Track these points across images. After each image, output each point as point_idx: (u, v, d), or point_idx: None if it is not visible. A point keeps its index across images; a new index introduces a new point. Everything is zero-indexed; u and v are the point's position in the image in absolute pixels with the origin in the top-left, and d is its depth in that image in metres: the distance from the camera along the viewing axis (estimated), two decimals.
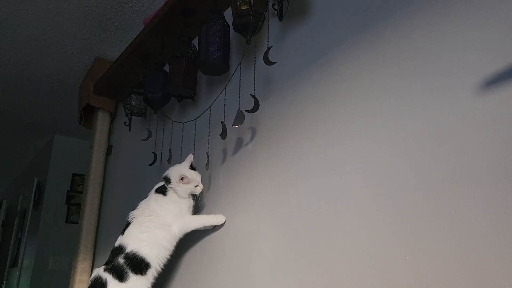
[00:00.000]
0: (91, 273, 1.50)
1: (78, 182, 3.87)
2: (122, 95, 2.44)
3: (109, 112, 2.59)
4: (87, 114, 2.64)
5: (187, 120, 1.76)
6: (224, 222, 1.43)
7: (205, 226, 1.44)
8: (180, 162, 1.70)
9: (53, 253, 3.61)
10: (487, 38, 0.82)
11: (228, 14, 1.39)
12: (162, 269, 1.40)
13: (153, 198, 1.46)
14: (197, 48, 1.50)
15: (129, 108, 2.06)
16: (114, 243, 1.42)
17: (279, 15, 1.26)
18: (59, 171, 3.84)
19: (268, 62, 1.20)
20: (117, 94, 2.48)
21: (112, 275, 1.32)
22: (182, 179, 1.41)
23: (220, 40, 1.39)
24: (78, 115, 2.68)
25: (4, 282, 4.50)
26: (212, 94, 1.67)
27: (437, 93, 0.89)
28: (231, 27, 1.31)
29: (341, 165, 1.07)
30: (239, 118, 1.30)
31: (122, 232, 1.42)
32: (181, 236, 1.42)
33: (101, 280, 1.32)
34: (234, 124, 1.30)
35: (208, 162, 1.52)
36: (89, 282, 1.36)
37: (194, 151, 1.66)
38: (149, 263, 1.35)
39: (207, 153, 1.54)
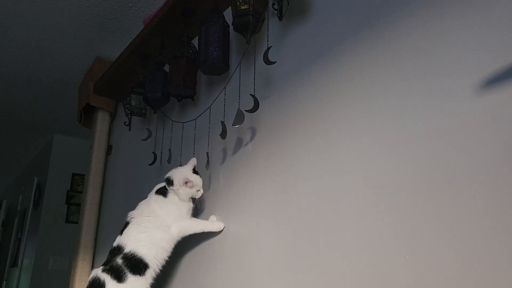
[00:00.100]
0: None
1: (78, 182, 3.87)
2: (122, 95, 2.44)
3: (109, 112, 2.59)
4: (87, 114, 2.63)
5: (187, 120, 1.76)
6: (223, 229, 1.43)
7: (204, 232, 1.44)
8: (180, 162, 1.70)
9: (53, 253, 3.61)
10: (487, 38, 0.82)
11: (228, 14, 1.39)
12: (160, 270, 1.39)
13: (153, 199, 1.45)
14: (197, 48, 1.50)
15: (129, 108, 2.06)
16: (113, 243, 1.42)
17: (279, 15, 1.25)
18: (59, 171, 3.84)
19: (268, 62, 1.20)
20: (117, 94, 2.48)
21: (111, 276, 1.31)
22: (186, 183, 1.41)
23: (220, 40, 1.39)
24: (78, 115, 2.68)
25: (4, 282, 4.50)
26: (212, 94, 1.67)
27: (437, 93, 0.89)
28: (231, 27, 1.31)
29: (341, 165, 1.07)
30: (239, 118, 1.30)
31: (121, 232, 1.41)
32: (179, 238, 1.42)
33: (100, 281, 1.31)
34: (234, 124, 1.30)
35: (208, 162, 1.51)
36: (88, 283, 1.34)
37: (194, 151, 1.66)
38: (147, 264, 1.34)
39: (207, 153, 1.54)
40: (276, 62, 1.27)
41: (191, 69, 1.59)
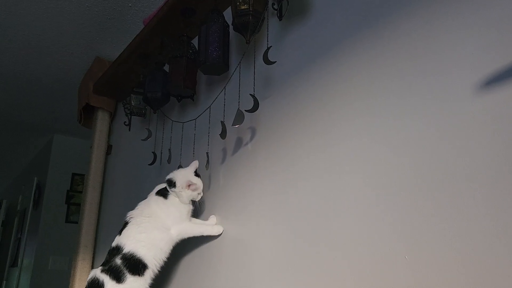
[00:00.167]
0: None
1: (78, 181, 3.87)
2: (121, 95, 2.44)
3: (109, 111, 2.59)
4: (87, 113, 2.63)
5: (186, 120, 1.76)
6: (222, 232, 1.43)
7: (203, 235, 1.44)
8: (180, 162, 1.70)
9: (53, 253, 3.61)
10: (487, 38, 0.82)
11: (228, 14, 1.39)
12: (158, 271, 1.39)
13: (154, 200, 1.45)
14: (197, 48, 1.50)
15: (129, 107, 2.06)
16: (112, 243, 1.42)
17: (278, 15, 1.25)
18: (59, 170, 3.84)
19: (267, 61, 1.20)
20: (116, 93, 2.48)
21: (109, 276, 1.30)
22: (189, 185, 1.41)
23: (219, 39, 1.39)
24: (77, 115, 2.68)
25: (4, 282, 4.50)
26: (212, 94, 1.67)
27: (436, 93, 0.89)
28: (231, 27, 1.31)
29: (341, 165, 1.07)
30: (239, 118, 1.30)
31: (120, 232, 1.41)
32: (177, 240, 1.42)
33: (98, 282, 1.30)
34: (233, 124, 1.30)
35: (208, 161, 1.51)
36: (86, 283, 1.34)
37: (194, 151, 1.66)
38: (146, 264, 1.33)
39: (207, 153, 1.54)
40: (276, 62, 1.27)
41: (191, 69, 1.59)
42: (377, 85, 1.03)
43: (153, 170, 1.98)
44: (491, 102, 0.79)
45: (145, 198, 1.51)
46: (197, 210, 1.54)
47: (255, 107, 1.26)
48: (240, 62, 1.46)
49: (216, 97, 1.57)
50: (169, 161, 1.75)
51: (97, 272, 1.33)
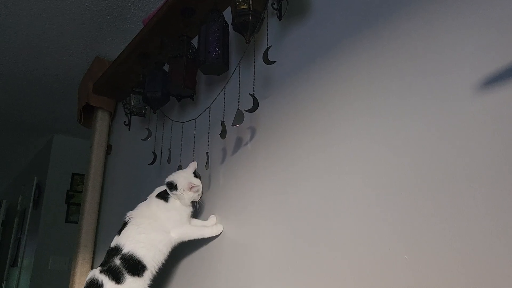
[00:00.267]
0: None
1: (77, 181, 3.87)
2: (121, 95, 2.44)
3: (109, 111, 2.59)
4: (87, 113, 2.63)
5: (186, 120, 1.76)
6: (222, 231, 1.43)
7: (204, 237, 1.44)
8: (180, 162, 1.70)
9: (53, 253, 3.61)
10: (487, 37, 0.82)
11: (228, 14, 1.39)
12: (156, 272, 1.39)
13: (154, 202, 1.44)
14: (197, 48, 1.50)
15: (129, 107, 2.06)
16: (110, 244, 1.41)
17: (278, 15, 1.25)
18: (58, 170, 3.84)
19: (267, 61, 1.20)
20: (116, 93, 2.48)
21: (108, 277, 1.30)
22: (192, 187, 1.40)
23: (219, 39, 1.39)
24: (77, 115, 2.68)
25: (4, 281, 4.50)
26: (212, 94, 1.67)
27: (436, 93, 0.89)
28: (231, 27, 1.30)
29: (341, 165, 1.07)
30: (239, 118, 1.29)
31: (119, 233, 1.40)
32: (176, 244, 1.42)
33: (97, 282, 1.30)
34: (233, 124, 1.30)
35: (207, 161, 1.51)
36: (85, 284, 1.33)
37: (193, 151, 1.66)
38: (145, 265, 1.33)
39: (207, 153, 1.54)
40: (275, 61, 1.27)
41: (191, 68, 1.58)
42: (377, 85, 1.02)
43: (153, 170, 1.98)
44: (491, 102, 0.79)
45: (145, 198, 1.51)
46: (197, 210, 1.53)
47: (255, 107, 1.26)
48: (239, 62, 1.45)
49: (216, 97, 1.57)
50: (169, 161, 1.74)
51: (96, 273, 1.32)
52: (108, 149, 2.58)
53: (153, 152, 1.84)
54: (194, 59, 1.58)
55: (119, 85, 2.31)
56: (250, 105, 1.27)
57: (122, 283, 1.30)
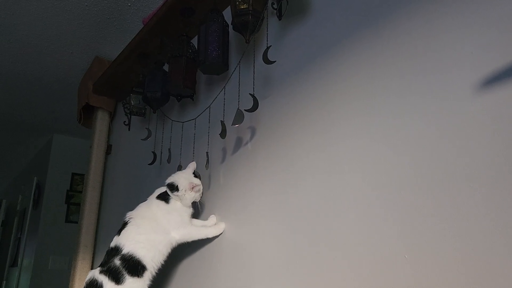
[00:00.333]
0: None
1: (77, 181, 3.87)
2: (121, 95, 2.44)
3: (109, 111, 2.59)
4: (87, 113, 2.63)
5: (186, 120, 1.76)
6: (224, 229, 1.43)
7: (208, 237, 1.44)
8: (180, 162, 1.70)
9: (53, 253, 3.61)
10: (487, 37, 0.82)
11: (227, 13, 1.39)
12: (156, 273, 1.39)
13: (155, 204, 1.43)
14: (196, 48, 1.50)
15: (129, 107, 2.06)
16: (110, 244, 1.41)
17: (278, 14, 1.25)
18: (58, 170, 3.84)
19: (267, 61, 1.20)
20: (116, 93, 2.48)
21: (108, 277, 1.29)
22: (193, 187, 1.40)
23: (219, 39, 1.39)
24: (77, 115, 2.68)
25: (4, 281, 4.50)
26: (212, 94, 1.67)
27: (436, 92, 0.89)
28: (230, 26, 1.30)
29: (341, 164, 1.07)
30: (239, 117, 1.29)
31: (118, 233, 1.40)
32: (176, 244, 1.41)
33: (97, 283, 1.29)
34: (233, 124, 1.30)
35: (207, 161, 1.51)
36: (84, 284, 1.33)
37: (193, 151, 1.66)
38: (145, 266, 1.33)
39: (207, 153, 1.54)
40: (275, 61, 1.26)
41: (191, 68, 1.58)
42: (377, 85, 1.02)
43: (153, 169, 1.98)
44: (491, 101, 0.79)
45: (145, 198, 1.51)
46: (198, 210, 1.53)
47: (255, 106, 1.26)
48: (239, 61, 1.45)
49: (216, 97, 1.57)
50: (169, 160, 1.74)
51: (96, 273, 1.32)
52: (108, 149, 2.58)
53: (153, 152, 1.84)
54: (194, 59, 1.58)
55: (119, 85, 2.31)
56: (250, 105, 1.27)
57: (122, 283, 1.29)
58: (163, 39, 1.80)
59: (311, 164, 1.16)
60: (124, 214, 1.46)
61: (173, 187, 1.41)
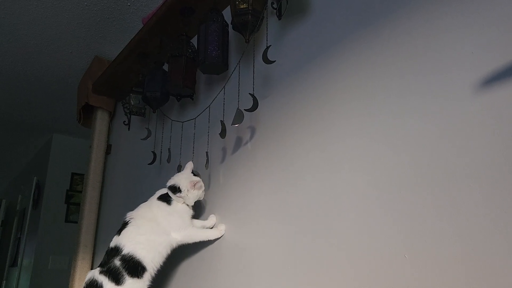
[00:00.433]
0: None
1: (77, 181, 3.87)
2: (121, 94, 2.44)
3: (108, 111, 2.59)
4: (86, 113, 2.63)
5: (186, 119, 1.76)
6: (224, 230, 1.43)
7: (210, 239, 1.44)
8: (180, 162, 1.70)
9: (53, 253, 3.61)
10: (487, 37, 0.82)
11: (227, 13, 1.39)
12: (155, 274, 1.39)
13: (156, 205, 1.43)
14: (196, 47, 1.50)
15: (128, 107, 2.05)
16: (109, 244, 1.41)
17: (278, 14, 1.25)
18: (58, 170, 3.84)
19: (267, 61, 1.20)
20: (116, 93, 2.48)
21: (108, 278, 1.29)
22: (194, 184, 1.40)
23: (219, 39, 1.39)
24: (77, 114, 2.68)
25: (4, 281, 4.50)
26: (211, 93, 1.67)
27: (436, 92, 0.89)
28: (230, 26, 1.30)
29: (340, 164, 1.07)
30: (238, 117, 1.29)
31: (118, 233, 1.39)
32: (176, 246, 1.41)
33: (97, 283, 1.29)
34: (233, 123, 1.30)
35: (207, 161, 1.51)
36: (84, 284, 1.32)
37: (193, 150, 1.66)
38: (145, 267, 1.32)
39: (207, 152, 1.54)
40: (275, 61, 1.26)
41: (190, 68, 1.58)
42: (377, 84, 1.02)
43: (153, 169, 1.98)
44: (491, 101, 0.79)
45: (145, 198, 1.51)
46: (201, 210, 1.53)
47: (255, 106, 1.26)
48: (239, 61, 1.45)
49: (216, 97, 1.57)
50: (168, 160, 1.74)
51: (96, 274, 1.31)
52: (108, 148, 2.58)
53: (153, 152, 1.84)
54: (193, 58, 1.58)
55: (118, 84, 2.30)
56: (249, 104, 1.27)
57: (122, 284, 1.29)
58: (162, 38, 1.80)
59: (311, 164, 1.15)
60: (123, 214, 1.46)
61: (175, 189, 1.41)
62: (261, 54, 1.21)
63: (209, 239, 1.43)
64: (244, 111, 1.29)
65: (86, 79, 2.56)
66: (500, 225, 0.74)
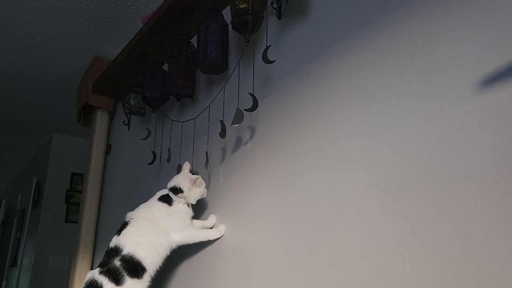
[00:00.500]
0: None
1: (77, 181, 3.87)
2: (121, 94, 2.44)
3: (108, 111, 2.59)
4: (86, 113, 2.63)
5: (186, 119, 1.76)
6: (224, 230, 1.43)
7: (210, 240, 1.44)
8: (180, 162, 1.70)
9: (53, 253, 3.61)
10: (487, 37, 0.82)
11: (227, 13, 1.39)
12: (154, 274, 1.38)
13: (157, 205, 1.43)
14: (196, 47, 1.50)
15: (128, 107, 2.05)
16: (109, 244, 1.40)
17: (277, 14, 1.25)
18: (58, 170, 3.84)
19: (267, 60, 1.20)
20: (116, 93, 2.48)
21: (108, 278, 1.29)
22: (195, 182, 1.40)
23: (218, 39, 1.39)
24: (77, 114, 2.68)
25: (4, 281, 4.50)
26: (211, 93, 1.67)
27: (436, 92, 0.89)
28: (230, 26, 1.30)
29: (340, 163, 1.07)
30: (238, 117, 1.29)
31: (118, 233, 1.39)
32: (177, 246, 1.41)
33: (97, 284, 1.29)
34: (233, 123, 1.30)
35: (207, 161, 1.51)
36: (84, 285, 1.32)
37: (193, 150, 1.66)
38: (145, 267, 1.32)
39: (207, 152, 1.54)
40: (275, 61, 1.26)
41: (190, 68, 1.58)
42: (377, 84, 1.02)
43: (153, 169, 1.98)
44: (491, 101, 0.79)
45: (145, 198, 1.51)
46: (199, 209, 1.53)
47: (254, 106, 1.26)
48: (239, 61, 1.45)
49: (216, 96, 1.57)
50: (168, 160, 1.74)
51: (95, 274, 1.31)
52: (108, 148, 2.58)
53: (153, 152, 1.84)
54: (193, 58, 1.58)
55: (118, 84, 2.30)
56: (249, 104, 1.27)
57: (122, 284, 1.29)
58: (162, 38, 1.80)
59: (311, 163, 1.15)
60: (123, 214, 1.45)
61: (177, 190, 1.41)
62: (261, 54, 1.21)
63: (209, 239, 1.43)
64: (244, 111, 1.29)
65: (86, 79, 2.56)
66: (500, 225, 0.74)
